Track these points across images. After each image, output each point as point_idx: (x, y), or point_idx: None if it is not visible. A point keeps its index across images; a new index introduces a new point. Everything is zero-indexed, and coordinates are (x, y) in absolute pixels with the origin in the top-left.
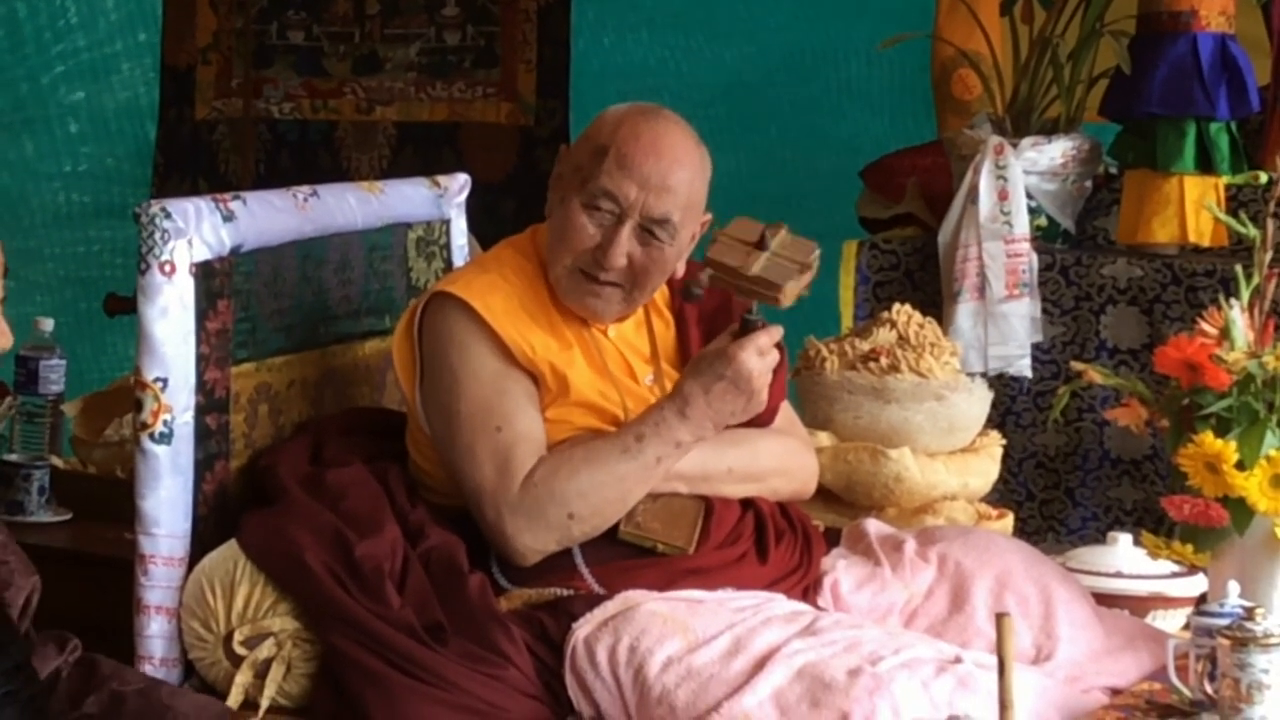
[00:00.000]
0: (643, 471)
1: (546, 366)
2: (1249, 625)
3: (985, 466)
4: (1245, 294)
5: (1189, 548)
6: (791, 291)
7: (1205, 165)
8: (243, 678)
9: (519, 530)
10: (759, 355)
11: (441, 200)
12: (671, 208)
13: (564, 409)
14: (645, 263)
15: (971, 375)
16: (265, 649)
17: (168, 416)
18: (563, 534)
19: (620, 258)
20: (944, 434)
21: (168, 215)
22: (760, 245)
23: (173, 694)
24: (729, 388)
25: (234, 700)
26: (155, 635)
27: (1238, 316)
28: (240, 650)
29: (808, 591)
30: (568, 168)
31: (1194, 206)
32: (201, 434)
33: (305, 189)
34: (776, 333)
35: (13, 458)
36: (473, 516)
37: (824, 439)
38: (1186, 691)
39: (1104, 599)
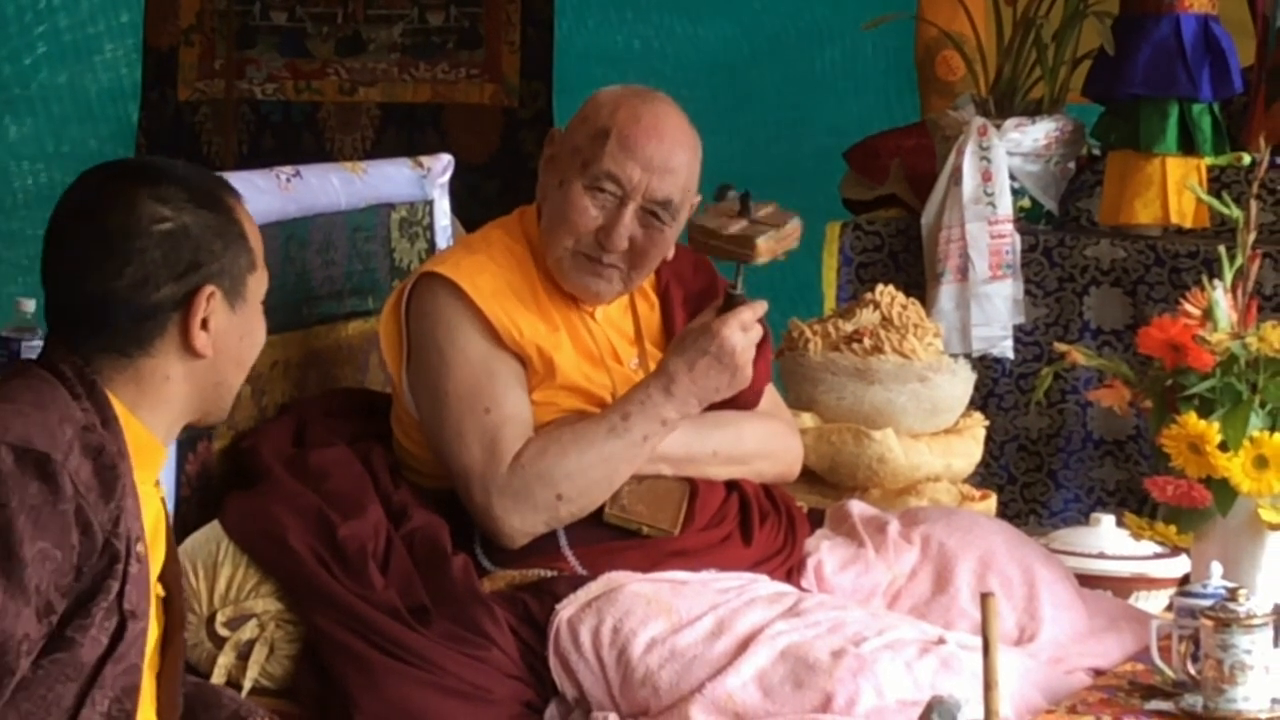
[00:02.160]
0: (630, 450)
1: (533, 349)
2: (1232, 606)
3: (968, 448)
4: (1228, 275)
5: (1172, 529)
6: (765, 248)
7: (1188, 146)
8: (225, 659)
9: (507, 511)
10: (742, 330)
11: (425, 181)
12: (673, 189)
13: (550, 392)
14: (646, 244)
15: (954, 356)
16: (248, 630)
17: None
18: (551, 515)
19: (623, 240)
20: (927, 415)
21: None
22: (742, 214)
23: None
24: (713, 363)
25: (216, 681)
26: None
27: (1221, 298)
28: (223, 631)
29: (791, 573)
30: (563, 150)
31: (1176, 188)
32: None
33: (288, 169)
34: (760, 307)
35: None
36: (459, 498)
37: (807, 420)
38: (1169, 672)
39: (1087, 580)
